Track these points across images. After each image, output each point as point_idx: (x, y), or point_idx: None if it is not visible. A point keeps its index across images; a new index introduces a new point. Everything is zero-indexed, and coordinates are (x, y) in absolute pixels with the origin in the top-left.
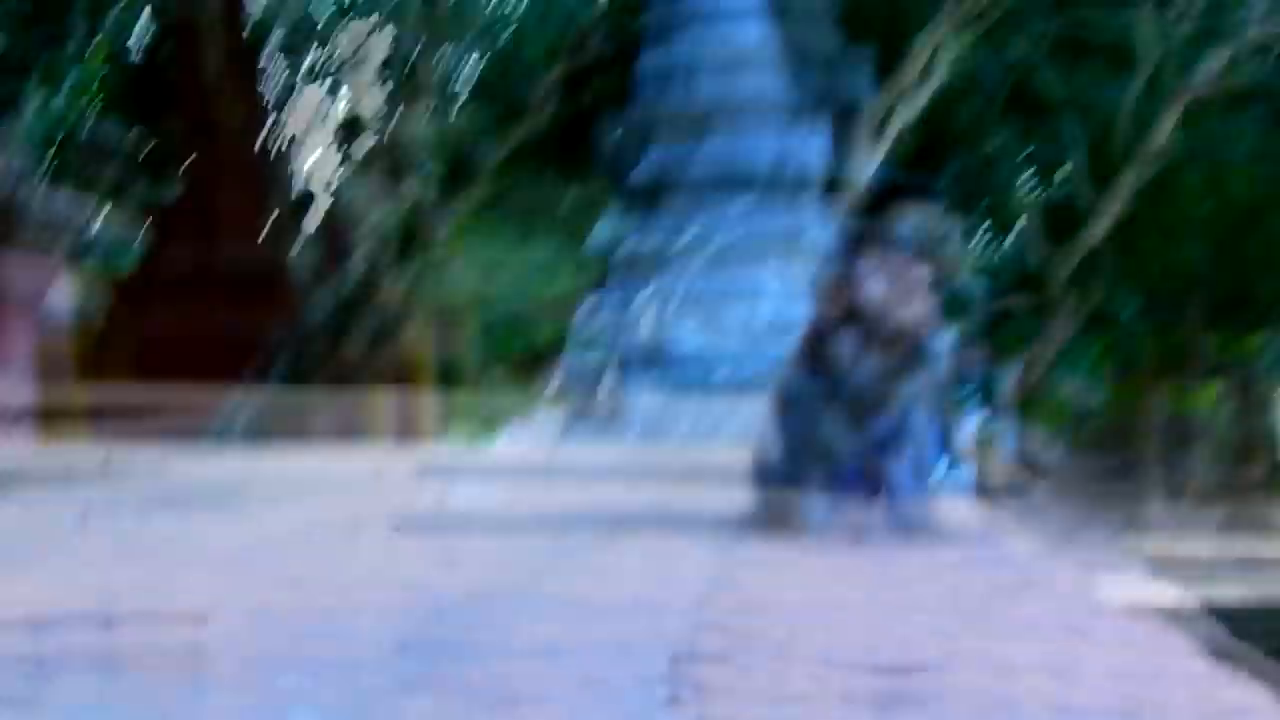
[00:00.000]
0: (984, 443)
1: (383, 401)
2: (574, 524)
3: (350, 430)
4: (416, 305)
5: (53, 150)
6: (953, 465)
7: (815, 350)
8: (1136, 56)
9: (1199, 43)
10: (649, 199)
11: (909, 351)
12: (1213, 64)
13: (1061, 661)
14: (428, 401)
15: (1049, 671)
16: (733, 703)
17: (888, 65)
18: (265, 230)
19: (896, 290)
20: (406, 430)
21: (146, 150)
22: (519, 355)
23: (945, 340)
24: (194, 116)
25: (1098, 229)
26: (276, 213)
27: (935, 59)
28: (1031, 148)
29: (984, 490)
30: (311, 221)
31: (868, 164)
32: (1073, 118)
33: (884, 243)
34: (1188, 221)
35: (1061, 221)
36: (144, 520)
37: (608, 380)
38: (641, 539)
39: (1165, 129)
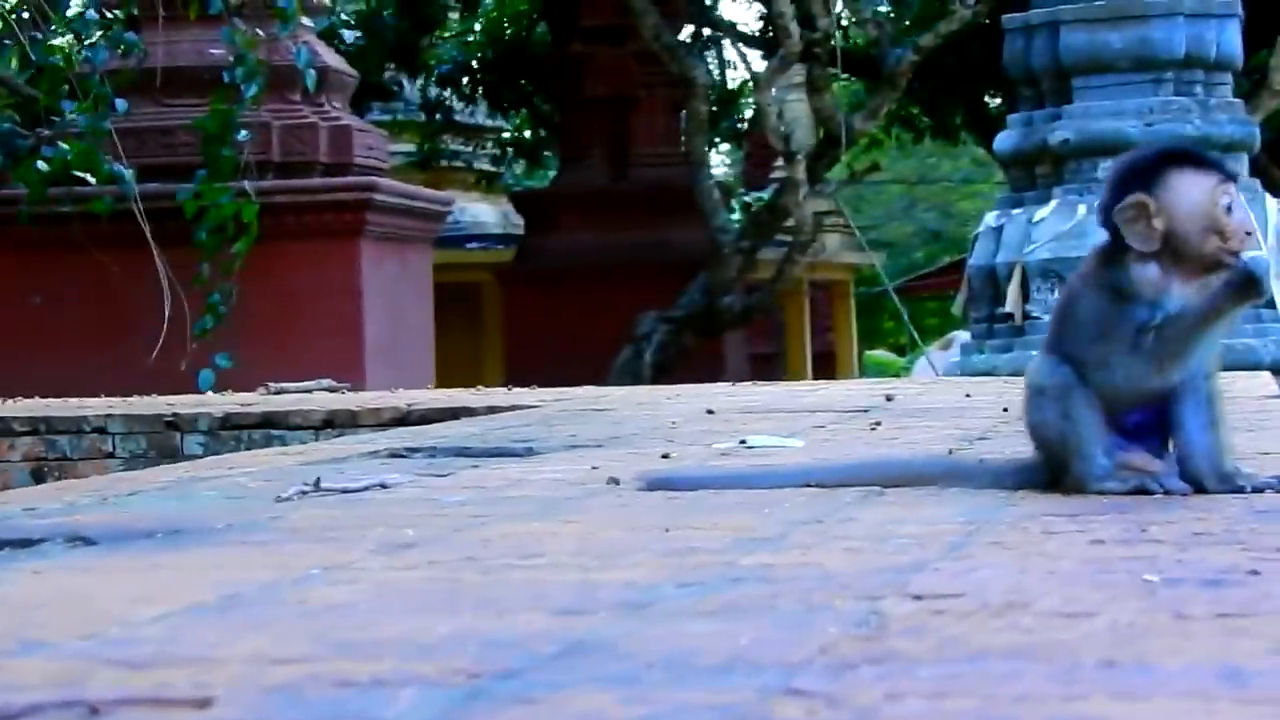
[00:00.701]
0: None
1: (798, 316)
2: (846, 476)
3: (759, 358)
4: (832, 220)
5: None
6: None
7: (1109, 275)
8: None
9: None
10: (1055, 96)
11: (1223, 287)
12: None
13: None
14: (843, 324)
15: None
16: None
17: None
18: (680, 145)
19: (1212, 216)
20: (823, 355)
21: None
22: (941, 272)
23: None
24: (604, 22)
25: None
26: (691, 128)
27: None
28: None
29: None
30: (728, 135)
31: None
32: None
33: (1197, 164)
34: None
35: None
36: (428, 470)
37: (1014, 292)
38: (897, 499)
39: None
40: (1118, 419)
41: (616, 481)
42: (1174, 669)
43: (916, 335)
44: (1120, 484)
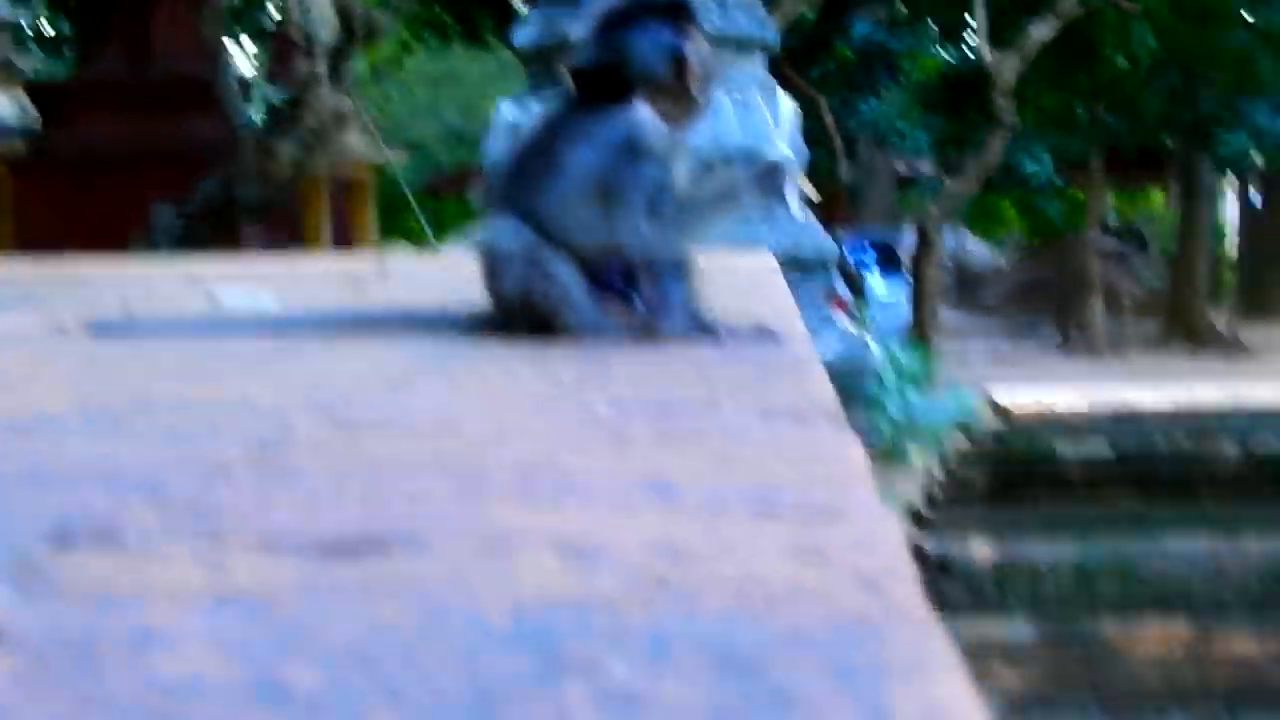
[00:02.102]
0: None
1: (317, 213)
2: (308, 326)
3: (285, 241)
4: (354, 118)
5: None
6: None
7: (610, 130)
8: None
9: None
10: None
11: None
12: None
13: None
14: (364, 223)
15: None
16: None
17: None
18: (201, 39)
19: (706, 57)
20: (343, 244)
21: None
22: (461, 169)
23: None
24: None
25: (1002, 87)
26: (209, 19)
27: None
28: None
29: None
30: (256, 30)
31: None
32: None
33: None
34: (1094, 79)
35: (964, 82)
36: None
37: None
38: (357, 344)
39: None
40: (594, 274)
41: (64, 331)
42: (600, 484)
43: (432, 234)
44: (606, 329)
